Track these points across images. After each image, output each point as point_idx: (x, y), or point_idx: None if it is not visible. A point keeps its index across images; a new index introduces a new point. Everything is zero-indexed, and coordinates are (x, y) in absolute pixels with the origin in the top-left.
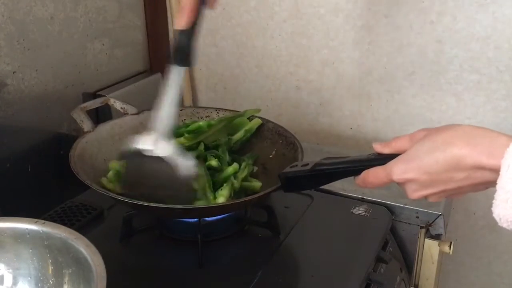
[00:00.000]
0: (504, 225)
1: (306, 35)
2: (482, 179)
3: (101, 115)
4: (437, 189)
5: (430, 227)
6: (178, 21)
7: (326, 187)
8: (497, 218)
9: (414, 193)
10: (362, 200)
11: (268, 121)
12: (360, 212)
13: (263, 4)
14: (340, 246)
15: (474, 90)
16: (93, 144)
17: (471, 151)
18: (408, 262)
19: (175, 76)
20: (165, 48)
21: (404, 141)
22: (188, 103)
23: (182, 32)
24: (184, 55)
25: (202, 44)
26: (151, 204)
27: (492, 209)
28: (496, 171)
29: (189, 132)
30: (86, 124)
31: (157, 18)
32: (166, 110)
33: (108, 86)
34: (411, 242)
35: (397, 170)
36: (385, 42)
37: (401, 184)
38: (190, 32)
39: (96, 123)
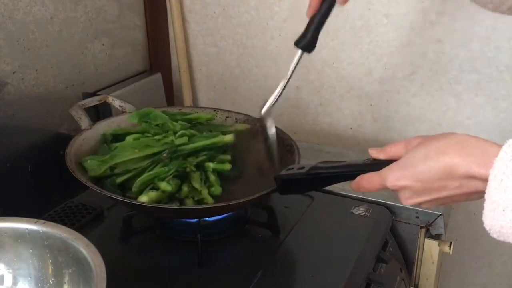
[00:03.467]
0: (494, 235)
1: None
2: (475, 189)
3: (101, 115)
4: (430, 197)
5: (430, 227)
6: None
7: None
8: (487, 228)
9: (408, 200)
10: (362, 200)
11: None
12: (360, 212)
13: (263, 4)
14: (340, 246)
15: (474, 90)
16: (90, 142)
17: (462, 160)
18: (408, 262)
19: (296, 58)
20: (165, 48)
21: (400, 148)
22: (188, 103)
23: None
24: (306, 40)
25: (202, 44)
26: (150, 204)
27: (483, 219)
28: (487, 180)
29: (187, 121)
30: (83, 121)
31: (157, 18)
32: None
33: (108, 86)
34: (411, 242)
35: (391, 177)
36: (385, 42)
37: (395, 191)
38: (318, 17)
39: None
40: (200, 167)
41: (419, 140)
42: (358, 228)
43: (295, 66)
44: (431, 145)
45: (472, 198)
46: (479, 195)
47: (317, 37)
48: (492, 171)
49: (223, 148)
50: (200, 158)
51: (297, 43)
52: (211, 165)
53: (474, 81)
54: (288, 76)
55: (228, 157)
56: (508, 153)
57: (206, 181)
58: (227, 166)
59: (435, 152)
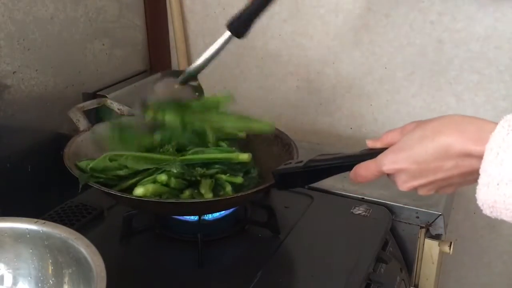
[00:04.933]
0: (487, 211)
1: (306, 35)
2: (471, 168)
3: (101, 116)
4: (426, 180)
5: (430, 227)
6: None
7: (326, 187)
8: (480, 204)
9: (404, 184)
10: (362, 200)
11: None
12: (360, 212)
13: None
14: (340, 246)
15: (474, 90)
16: (88, 144)
17: (458, 138)
18: (408, 262)
19: (223, 40)
20: (165, 48)
21: (395, 134)
22: None
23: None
24: (241, 26)
25: (202, 44)
26: (148, 199)
27: (476, 195)
28: (482, 157)
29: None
30: (82, 123)
31: (157, 18)
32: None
33: (108, 86)
34: (411, 242)
35: (386, 161)
36: (385, 42)
37: (391, 176)
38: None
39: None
40: (212, 176)
41: (414, 124)
42: (358, 228)
43: (220, 48)
44: (427, 126)
45: (468, 179)
46: (475, 176)
47: (251, 24)
48: (488, 145)
49: (238, 166)
50: (211, 171)
51: (229, 25)
52: (223, 177)
53: (474, 81)
54: (209, 54)
55: (240, 179)
56: (505, 127)
57: (221, 190)
58: (239, 180)
59: (431, 132)
